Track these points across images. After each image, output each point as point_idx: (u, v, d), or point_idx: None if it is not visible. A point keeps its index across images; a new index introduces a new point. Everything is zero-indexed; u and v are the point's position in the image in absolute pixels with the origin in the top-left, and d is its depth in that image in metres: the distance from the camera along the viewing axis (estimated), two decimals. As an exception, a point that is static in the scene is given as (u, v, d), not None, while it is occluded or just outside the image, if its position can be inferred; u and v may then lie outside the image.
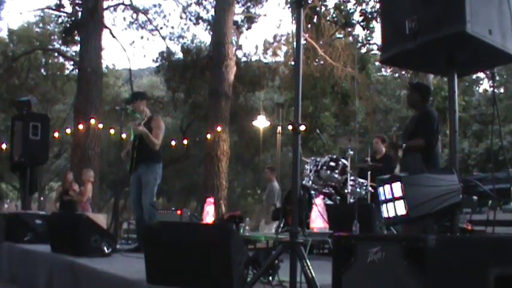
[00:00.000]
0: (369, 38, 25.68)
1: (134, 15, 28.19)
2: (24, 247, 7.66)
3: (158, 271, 3.94)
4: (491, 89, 28.11)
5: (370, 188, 8.63)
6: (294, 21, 3.86)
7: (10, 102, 23.24)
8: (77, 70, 23.36)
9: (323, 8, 23.47)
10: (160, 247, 3.99)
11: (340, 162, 9.26)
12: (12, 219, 8.83)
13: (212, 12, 24.51)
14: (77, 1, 23.30)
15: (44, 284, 6.20)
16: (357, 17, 23.91)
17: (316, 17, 22.67)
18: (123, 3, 27.25)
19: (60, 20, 26.77)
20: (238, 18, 25.57)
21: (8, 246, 8.22)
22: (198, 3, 27.20)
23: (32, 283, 6.71)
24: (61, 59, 31.04)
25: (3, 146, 19.28)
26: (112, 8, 26.51)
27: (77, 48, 25.30)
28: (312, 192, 9.02)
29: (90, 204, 13.29)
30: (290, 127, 3.80)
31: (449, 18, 3.09)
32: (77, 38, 23.61)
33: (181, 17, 30.22)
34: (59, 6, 24.85)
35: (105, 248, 6.37)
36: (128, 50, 70.62)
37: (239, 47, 26.63)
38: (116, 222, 9.52)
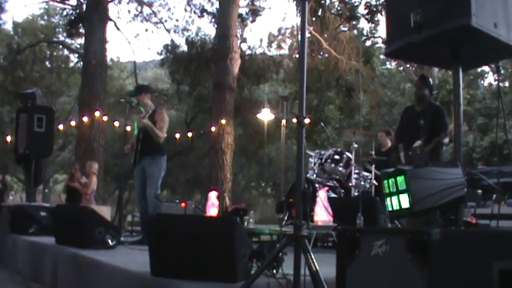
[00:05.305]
0: (373, 31, 25.65)
1: (139, 8, 28.19)
2: (28, 239, 7.68)
3: (162, 263, 3.95)
4: (496, 82, 28.02)
5: (374, 181, 8.63)
6: (298, 14, 3.86)
7: (15, 95, 23.29)
8: (81, 62, 23.37)
9: (328, 1, 23.44)
10: (165, 239, 4.00)
11: (344, 156, 9.26)
12: (17, 211, 8.85)
13: (217, 5, 24.52)
14: (82, -6, 23.34)
15: (49, 275, 6.22)
16: (361, 10, 23.88)
17: (320, 10, 22.63)
18: (127, -4, 27.25)
19: (64, 13, 26.80)
20: (243, 11, 25.55)
21: (13, 238, 8.24)
22: (203, -4, 27.20)
23: (36, 275, 6.72)
24: (66, 52, 31.16)
25: (8, 138, 19.31)
26: (116, 1, 26.50)
27: (81, 40, 25.34)
28: (316, 185, 9.01)
29: (95, 196, 13.32)
30: (294, 120, 3.80)
31: (454, 11, 3.08)
32: (82, 30, 23.67)
33: (185, 10, 30.31)
34: (63, -1, 24.90)
35: (110, 241, 6.38)
36: (133, 42, 70.88)
37: (244, 40, 26.61)
38: (120, 214, 9.54)
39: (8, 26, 31.64)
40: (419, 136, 6.73)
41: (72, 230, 6.38)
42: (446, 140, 6.63)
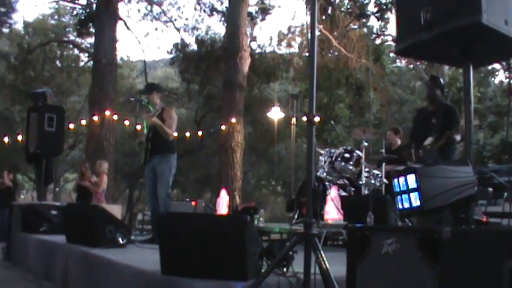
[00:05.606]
0: (383, 29, 25.62)
1: (149, 7, 28.27)
2: (40, 238, 7.71)
3: (173, 262, 3.95)
4: (507, 80, 27.92)
5: (384, 180, 8.61)
6: (308, 13, 3.86)
7: (26, 94, 23.40)
8: (91, 62, 23.44)
9: (337, -1, 23.41)
10: (175, 238, 4.00)
11: (354, 154, 9.25)
12: (28, 210, 8.88)
13: (226, 3, 24.54)
14: (91, -7, 23.41)
15: (60, 274, 6.24)
16: (371, 7, 23.85)
17: (330, 8, 22.59)
18: (137, -5, 27.30)
19: (75, 12, 26.95)
20: (253, 9, 25.57)
21: (24, 237, 8.27)
22: (212, -5, 27.21)
23: (47, 273, 6.75)
24: (76, 51, 31.27)
25: (19, 138, 19.38)
26: (126, 0, 26.54)
27: (91, 40, 25.45)
28: (327, 183, 9.00)
29: (105, 195, 13.36)
30: (304, 118, 3.80)
31: (464, 8, 3.07)
32: (92, 29, 23.73)
33: (195, 9, 30.21)
34: (73, -2, 24.99)
35: (120, 239, 6.39)
36: (143, 41, 70.71)
37: (253, 39, 26.64)
38: (131, 213, 9.58)
39: (19, 26, 31.85)
40: (431, 134, 6.72)
41: (83, 229, 6.40)
42: (458, 137, 6.62)
